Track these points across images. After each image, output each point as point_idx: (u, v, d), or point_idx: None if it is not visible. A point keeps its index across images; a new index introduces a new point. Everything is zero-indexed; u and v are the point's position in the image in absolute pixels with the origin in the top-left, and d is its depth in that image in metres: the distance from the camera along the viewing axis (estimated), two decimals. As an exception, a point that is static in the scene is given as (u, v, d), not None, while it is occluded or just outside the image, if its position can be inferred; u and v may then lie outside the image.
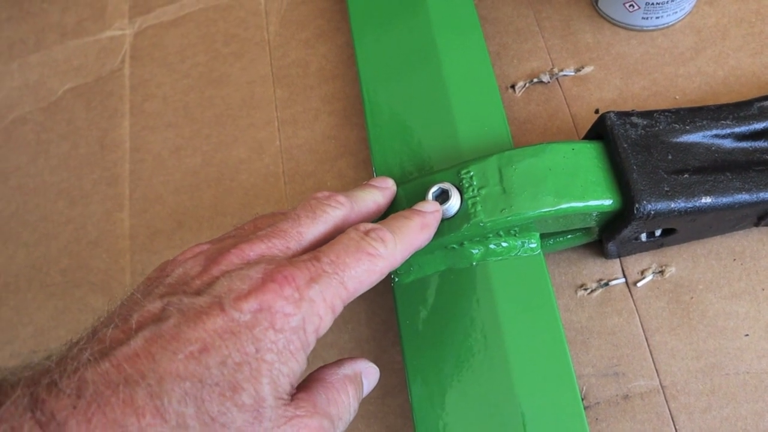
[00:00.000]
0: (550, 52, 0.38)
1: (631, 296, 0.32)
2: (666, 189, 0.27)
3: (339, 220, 0.25)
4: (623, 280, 0.32)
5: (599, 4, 0.37)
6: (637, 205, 0.27)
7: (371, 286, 0.24)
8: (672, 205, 0.27)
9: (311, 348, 0.21)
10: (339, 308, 0.22)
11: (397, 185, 0.30)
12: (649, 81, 0.36)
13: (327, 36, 0.41)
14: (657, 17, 0.36)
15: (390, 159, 0.32)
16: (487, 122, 0.32)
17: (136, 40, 0.47)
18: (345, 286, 0.22)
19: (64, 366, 0.19)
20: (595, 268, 0.33)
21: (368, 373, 0.24)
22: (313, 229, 0.24)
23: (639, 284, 0.32)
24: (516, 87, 0.37)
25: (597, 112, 0.36)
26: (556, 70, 0.37)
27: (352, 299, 0.23)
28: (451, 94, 0.32)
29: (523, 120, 0.36)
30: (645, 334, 0.31)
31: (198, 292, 0.21)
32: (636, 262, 0.32)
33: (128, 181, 0.42)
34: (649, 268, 0.32)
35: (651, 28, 0.37)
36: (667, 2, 0.35)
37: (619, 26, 0.37)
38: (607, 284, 0.32)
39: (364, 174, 0.37)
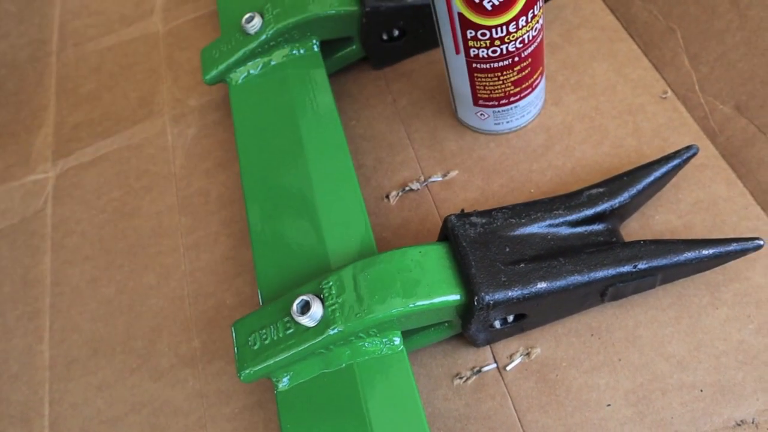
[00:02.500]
0: (420, 161, 0.42)
1: (503, 380, 0.34)
2: (503, 279, 0.31)
3: None
4: (494, 365, 0.35)
5: (458, 115, 0.42)
6: (476, 297, 0.30)
7: None
8: (509, 294, 0.30)
9: None
10: None
11: (273, 299, 0.33)
12: (507, 178, 0.40)
13: (225, 165, 0.46)
14: (507, 122, 0.40)
15: (271, 276, 0.35)
16: (354, 235, 0.35)
17: (57, 181, 0.50)
18: None
19: None
20: (469, 356, 0.35)
21: None
22: None
23: (508, 368, 0.34)
24: (390, 196, 0.41)
25: (462, 211, 0.39)
26: (423, 177, 0.41)
27: None
28: (321, 214, 0.36)
29: (397, 226, 0.40)
30: (518, 415, 0.33)
31: None
32: (505, 347, 0.35)
33: (49, 314, 0.44)
34: (517, 351, 0.35)
35: (505, 131, 0.41)
36: (512, 108, 0.39)
37: (477, 132, 0.42)
38: (480, 371, 0.35)
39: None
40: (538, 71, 0.39)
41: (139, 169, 0.48)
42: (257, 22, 0.43)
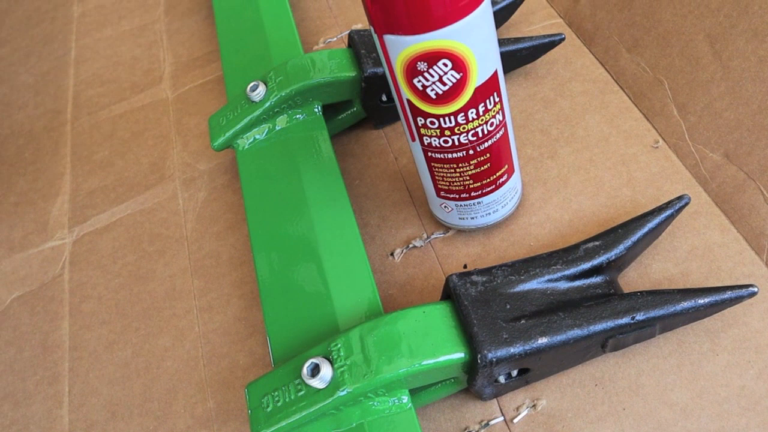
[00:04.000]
0: (422, 219, 0.43)
1: (511, 432, 0.35)
2: (505, 336, 0.32)
3: None
4: (502, 418, 0.35)
5: (429, 206, 0.41)
6: (479, 355, 0.31)
7: None
8: (511, 350, 0.31)
9: None
10: None
11: (285, 360, 0.34)
12: (506, 232, 0.41)
13: (235, 227, 0.47)
14: (471, 218, 0.40)
15: (282, 337, 0.36)
16: (360, 294, 0.36)
17: (74, 247, 0.52)
18: None
19: None
20: (476, 410, 0.36)
21: None
22: None
23: (515, 420, 0.35)
24: (395, 254, 0.42)
25: (465, 266, 0.41)
26: (426, 234, 0.42)
27: None
28: (327, 274, 0.37)
29: (402, 283, 0.41)
30: (527, 467, 0.34)
31: None
32: (511, 400, 0.36)
33: (67, 378, 0.46)
34: (523, 403, 0.36)
35: (471, 227, 0.40)
36: (474, 204, 0.38)
37: (445, 225, 0.42)
38: (487, 424, 0.35)
39: (270, 348, 0.41)
40: (503, 168, 0.37)
41: (152, 233, 0.50)
42: (261, 90, 0.46)
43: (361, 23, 0.59)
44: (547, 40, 0.47)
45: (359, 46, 0.45)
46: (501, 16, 0.51)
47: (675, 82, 0.44)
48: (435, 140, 0.35)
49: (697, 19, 0.43)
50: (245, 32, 0.55)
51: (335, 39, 0.58)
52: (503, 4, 0.50)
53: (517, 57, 0.47)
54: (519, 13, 0.53)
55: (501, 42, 0.46)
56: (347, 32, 0.58)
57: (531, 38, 0.47)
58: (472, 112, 0.33)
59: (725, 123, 0.40)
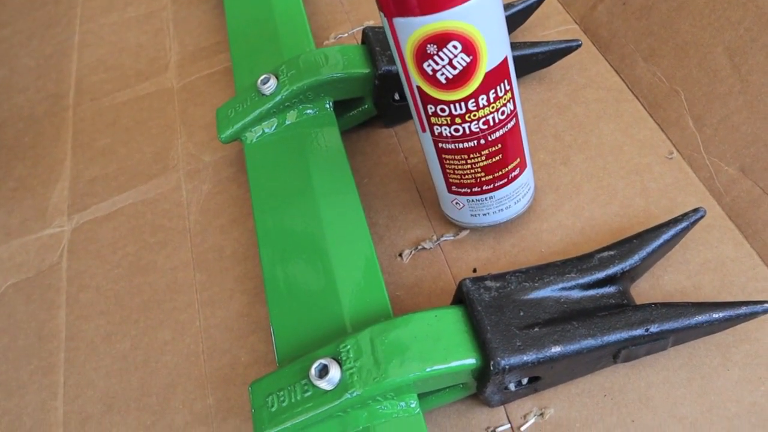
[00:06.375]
0: (432, 220, 0.43)
1: (517, 441, 0.34)
2: (518, 344, 0.31)
3: None
4: (509, 425, 0.35)
5: (441, 206, 0.41)
6: (492, 362, 0.30)
7: None
8: (524, 358, 0.31)
9: None
10: None
11: (290, 360, 0.33)
12: (517, 238, 0.41)
13: (239, 222, 0.46)
14: (484, 214, 0.39)
15: (288, 336, 0.36)
16: (369, 295, 0.36)
17: (73, 235, 0.51)
18: None
19: None
20: (483, 416, 0.35)
21: None
22: None
23: (522, 428, 0.35)
24: (403, 255, 0.42)
25: (475, 270, 0.40)
26: (436, 236, 0.42)
27: None
28: (336, 274, 0.37)
29: (411, 285, 0.40)
30: (533, 477, 0.33)
31: None
32: (519, 408, 0.35)
33: (63, 369, 0.45)
34: (531, 411, 0.35)
35: (483, 225, 0.39)
36: (486, 199, 0.38)
37: (458, 224, 0.41)
38: (494, 431, 0.35)
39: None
40: (515, 162, 0.37)
41: (154, 224, 0.49)
42: (272, 83, 0.45)
43: (373, 20, 0.58)
44: (563, 45, 0.46)
45: (374, 43, 0.45)
46: (517, 19, 0.50)
47: (691, 94, 0.43)
48: (446, 129, 0.34)
49: (717, 32, 0.43)
50: (255, 24, 0.54)
51: (346, 35, 0.57)
52: (519, 6, 0.49)
53: (533, 61, 0.47)
54: (534, 17, 0.52)
55: (517, 45, 0.45)
56: (359, 28, 0.57)
57: (547, 43, 0.46)
58: (482, 99, 0.33)
59: (742, 137, 0.40)
